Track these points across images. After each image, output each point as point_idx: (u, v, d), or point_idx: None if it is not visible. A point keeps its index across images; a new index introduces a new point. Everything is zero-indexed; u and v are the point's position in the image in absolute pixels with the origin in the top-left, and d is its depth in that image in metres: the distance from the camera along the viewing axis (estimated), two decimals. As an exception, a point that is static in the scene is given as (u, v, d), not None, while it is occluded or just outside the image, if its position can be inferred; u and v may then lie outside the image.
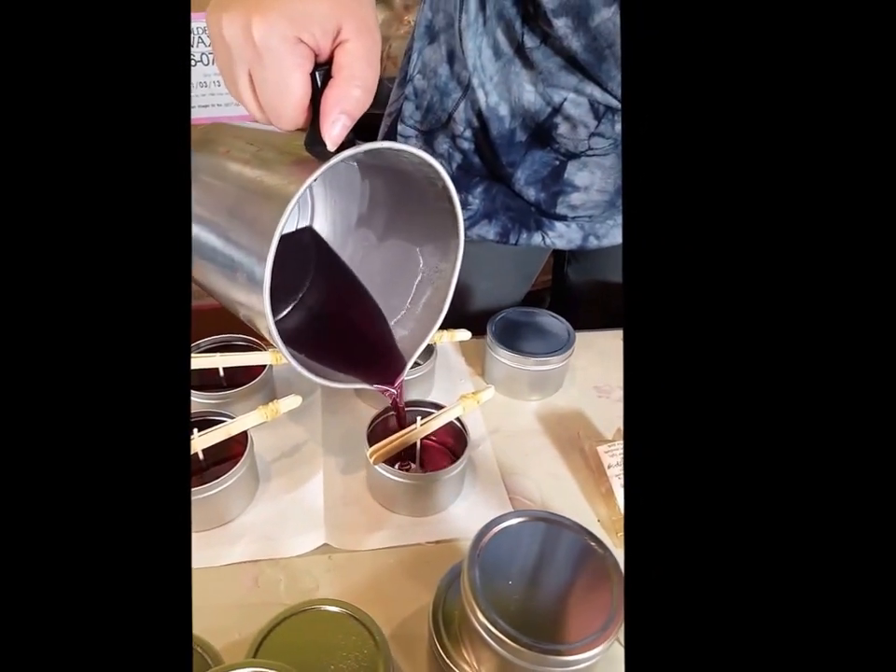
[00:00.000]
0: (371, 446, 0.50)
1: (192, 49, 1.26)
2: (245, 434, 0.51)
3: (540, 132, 0.63)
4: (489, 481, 0.56)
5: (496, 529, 0.38)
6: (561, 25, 0.54)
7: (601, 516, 0.53)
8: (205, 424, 0.51)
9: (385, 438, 0.51)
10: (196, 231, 0.41)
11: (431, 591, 0.40)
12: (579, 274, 0.88)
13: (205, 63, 1.26)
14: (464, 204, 0.70)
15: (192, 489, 0.46)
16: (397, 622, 0.43)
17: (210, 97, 1.29)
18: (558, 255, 0.92)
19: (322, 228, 0.54)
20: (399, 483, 0.49)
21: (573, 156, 0.65)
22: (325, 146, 0.34)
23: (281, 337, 0.38)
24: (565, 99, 0.60)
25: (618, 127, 0.61)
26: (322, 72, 0.33)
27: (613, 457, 0.54)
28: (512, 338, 0.64)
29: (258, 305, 0.36)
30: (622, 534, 0.50)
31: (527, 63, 0.60)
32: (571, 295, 0.91)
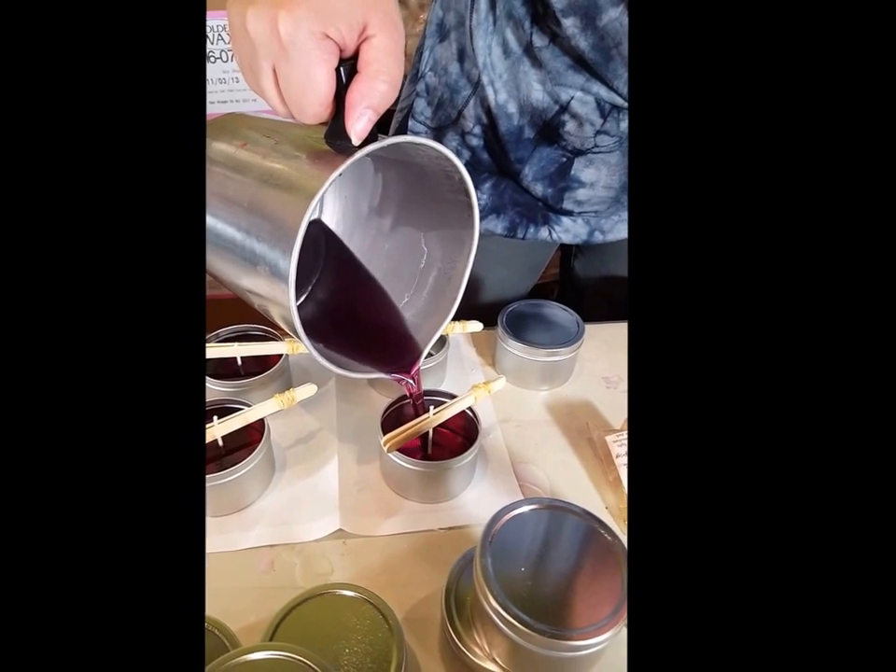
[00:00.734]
0: (384, 434, 0.51)
1: (211, 46, 1.26)
2: (261, 422, 0.52)
3: (548, 129, 0.64)
4: (500, 469, 0.56)
5: (507, 517, 0.39)
6: (569, 25, 0.55)
7: (609, 504, 0.54)
8: (224, 412, 0.52)
9: (399, 426, 0.51)
10: (211, 222, 0.41)
11: (443, 576, 0.41)
12: (585, 268, 0.89)
13: (224, 59, 1.27)
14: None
15: (211, 475, 0.47)
16: (409, 606, 0.44)
17: (229, 93, 1.30)
18: (565, 249, 0.92)
19: (331, 218, 0.55)
20: (413, 470, 0.50)
21: (580, 153, 0.65)
22: (347, 139, 0.34)
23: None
24: (572, 97, 0.60)
25: (623, 125, 0.62)
26: (347, 67, 0.33)
27: (621, 447, 0.55)
28: (523, 329, 0.65)
29: (281, 298, 0.37)
30: (630, 522, 0.51)
31: (536, 61, 0.60)
32: (578, 287, 0.91)
